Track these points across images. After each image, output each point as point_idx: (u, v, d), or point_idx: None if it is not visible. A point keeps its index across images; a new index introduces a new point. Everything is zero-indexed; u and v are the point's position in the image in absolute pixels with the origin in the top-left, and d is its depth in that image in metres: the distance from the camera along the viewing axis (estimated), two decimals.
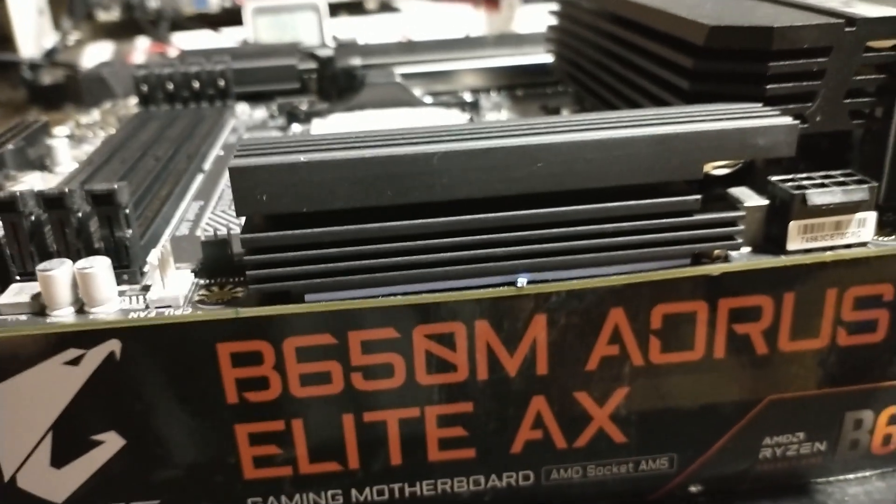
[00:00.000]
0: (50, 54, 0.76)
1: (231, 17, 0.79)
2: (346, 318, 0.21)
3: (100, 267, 0.20)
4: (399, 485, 0.24)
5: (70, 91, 0.79)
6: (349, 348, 0.22)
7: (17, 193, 0.20)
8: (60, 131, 0.37)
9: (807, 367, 0.24)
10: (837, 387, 0.24)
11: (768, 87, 0.23)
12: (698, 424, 0.24)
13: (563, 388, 0.23)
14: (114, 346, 0.21)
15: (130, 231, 0.21)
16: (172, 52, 0.72)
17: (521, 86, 0.43)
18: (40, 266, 0.20)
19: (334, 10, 0.80)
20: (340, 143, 0.21)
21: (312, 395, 0.22)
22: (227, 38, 0.77)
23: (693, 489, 0.25)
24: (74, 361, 0.22)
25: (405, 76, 0.41)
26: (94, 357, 0.22)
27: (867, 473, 0.26)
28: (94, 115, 0.44)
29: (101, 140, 0.35)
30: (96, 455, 0.23)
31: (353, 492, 0.24)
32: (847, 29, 0.22)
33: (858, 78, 0.23)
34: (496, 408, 0.23)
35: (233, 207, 0.27)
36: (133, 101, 0.45)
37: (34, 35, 0.77)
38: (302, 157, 0.19)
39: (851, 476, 0.26)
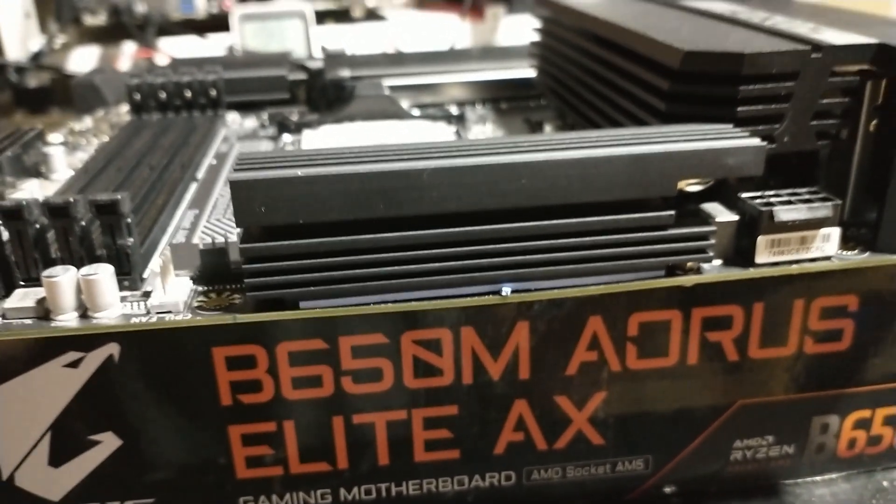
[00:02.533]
0: (36, 57, 0.77)
1: (218, 22, 0.79)
2: (338, 325, 0.22)
3: (103, 274, 0.21)
4: (386, 484, 0.25)
5: (56, 94, 0.79)
6: (340, 353, 0.23)
7: (24, 202, 0.21)
8: (55, 138, 0.38)
9: (776, 374, 0.25)
10: (805, 392, 0.26)
11: (739, 109, 0.24)
12: (672, 427, 0.26)
13: (544, 392, 0.24)
14: (112, 349, 0.22)
15: (132, 239, 0.22)
16: (160, 58, 0.73)
17: (506, 99, 0.44)
18: (46, 272, 0.21)
19: (321, 17, 0.80)
20: (335, 158, 0.22)
21: (304, 398, 0.23)
22: (214, 43, 0.77)
23: (667, 490, 0.27)
24: (74, 364, 0.22)
25: (393, 88, 0.42)
26: (93, 360, 0.22)
27: (833, 476, 0.28)
28: (87, 121, 0.44)
29: (95, 147, 0.36)
30: (93, 455, 0.24)
31: (342, 491, 0.25)
32: (814, 55, 0.24)
33: (825, 101, 0.24)
34: (480, 411, 0.24)
35: (227, 216, 0.28)
36: (125, 108, 0.45)
37: (20, 38, 0.77)
38: (299, 172, 0.20)
39: (818, 478, 0.28)
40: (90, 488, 0.24)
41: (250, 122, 0.41)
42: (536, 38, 0.42)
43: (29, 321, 0.22)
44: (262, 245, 0.21)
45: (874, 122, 0.24)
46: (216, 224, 0.27)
